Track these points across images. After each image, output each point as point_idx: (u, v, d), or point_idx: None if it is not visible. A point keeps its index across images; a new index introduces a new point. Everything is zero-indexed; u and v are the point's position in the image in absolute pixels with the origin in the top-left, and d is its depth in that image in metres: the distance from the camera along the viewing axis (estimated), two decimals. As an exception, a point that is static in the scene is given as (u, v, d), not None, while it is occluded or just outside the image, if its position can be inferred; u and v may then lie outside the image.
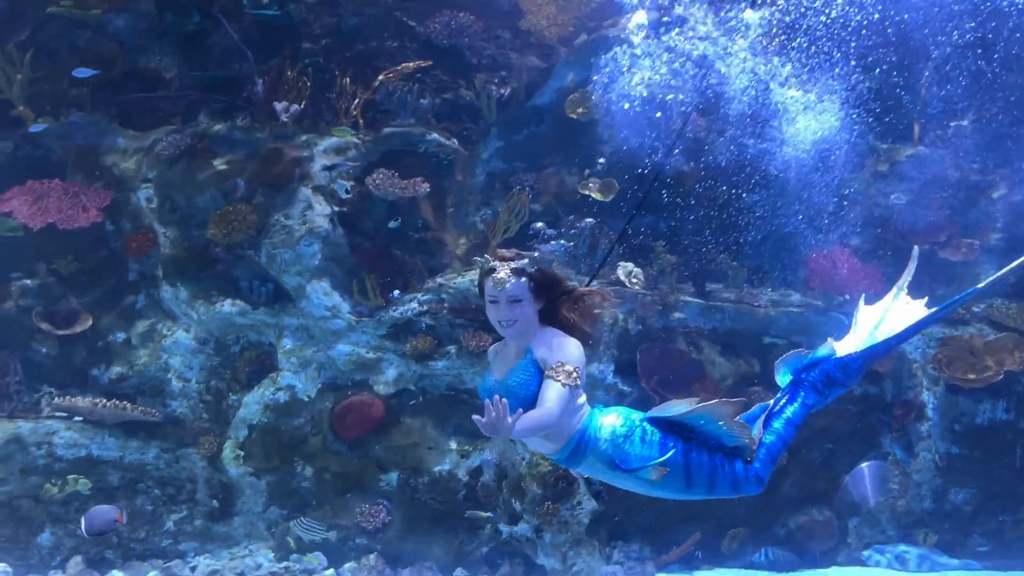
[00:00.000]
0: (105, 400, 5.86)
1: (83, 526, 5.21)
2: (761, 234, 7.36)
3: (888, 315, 3.63)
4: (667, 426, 3.44)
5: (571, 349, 3.29)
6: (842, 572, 6.54)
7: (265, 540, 6.23)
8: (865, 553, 6.67)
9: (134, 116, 6.56)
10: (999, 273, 3.74)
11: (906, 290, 3.65)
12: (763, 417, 3.46)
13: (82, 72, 6.28)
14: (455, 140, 7.00)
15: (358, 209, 6.53)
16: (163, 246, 6.34)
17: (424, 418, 6.44)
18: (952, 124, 7.56)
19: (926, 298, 3.56)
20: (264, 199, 6.24)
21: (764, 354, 6.76)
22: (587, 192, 7.08)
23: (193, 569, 6.04)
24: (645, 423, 3.48)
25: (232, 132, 6.51)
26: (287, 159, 6.22)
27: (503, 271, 3.32)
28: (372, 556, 6.16)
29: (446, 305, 6.44)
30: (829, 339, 3.61)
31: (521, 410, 2.90)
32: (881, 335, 3.61)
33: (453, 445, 6.38)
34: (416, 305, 6.47)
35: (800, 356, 3.59)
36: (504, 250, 3.43)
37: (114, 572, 5.84)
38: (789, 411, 3.51)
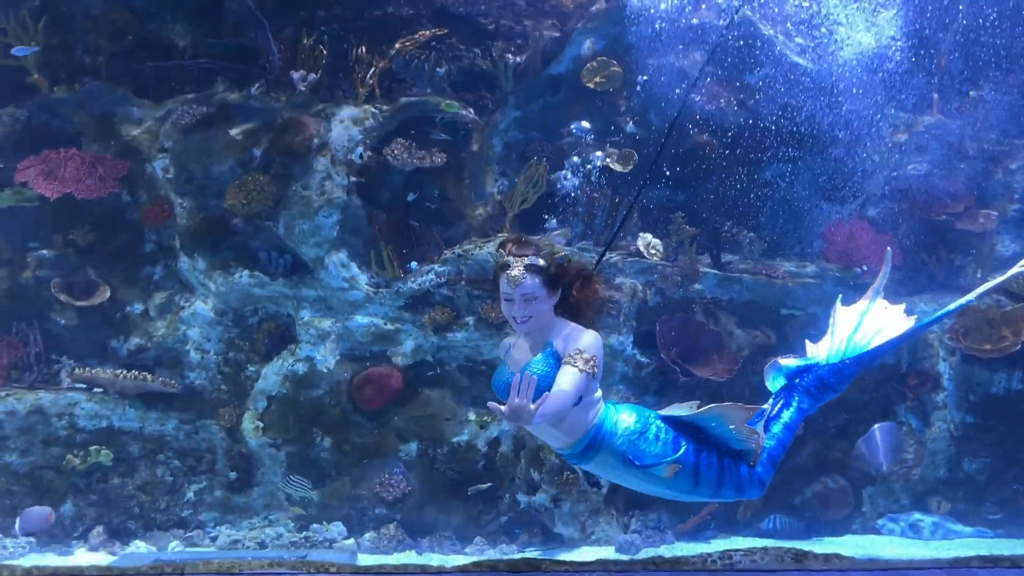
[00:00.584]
0: (125, 371, 5.93)
1: (17, 526, 5.49)
2: (778, 205, 7.43)
3: (866, 320, 3.70)
4: (679, 425, 3.48)
5: (589, 339, 3.31)
6: (856, 540, 6.69)
7: (285, 510, 6.32)
8: (879, 522, 6.80)
9: (149, 85, 6.57)
10: (991, 284, 3.71)
11: (883, 294, 3.69)
12: (762, 423, 3.53)
13: (21, 50, 6.16)
14: (471, 110, 7.03)
15: (375, 180, 6.56)
16: (180, 216, 6.35)
17: (443, 389, 6.51)
18: (972, 94, 7.60)
19: (904, 304, 3.64)
20: (281, 169, 6.26)
21: (781, 325, 6.86)
22: (606, 163, 7.12)
23: (214, 539, 6.13)
24: (658, 421, 3.51)
25: (248, 101, 6.52)
26: (304, 128, 6.24)
27: (517, 268, 3.30)
28: (391, 526, 6.26)
29: (464, 276, 6.49)
30: (807, 343, 3.77)
31: (547, 393, 2.98)
32: (862, 339, 3.69)
33: (472, 416, 6.46)
34: (434, 276, 6.51)
35: (787, 364, 3.71)
36: (517, 239, 3.44)
37: (136, 542, 5.94)
38: (786, 416, 3.61)
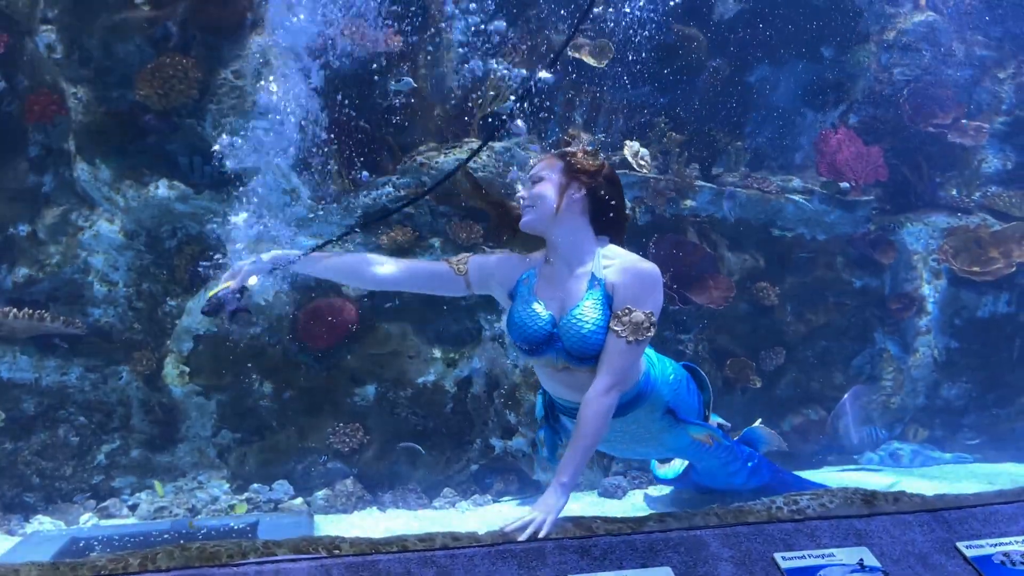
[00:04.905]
0: (14, 310, 5.13)
1: None
2: (763, 111, 7.38)
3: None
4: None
5: (651, 289, 2.92)
6: (835, 473, 7.04)
7: (218, 469, 5.83)
8: (855, 438, 7.17)
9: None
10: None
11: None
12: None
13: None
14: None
15: (321, 68, 5.87)
16: (74, 111, 5.41)
17: (403, 323, 6.10)
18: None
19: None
20: (205, 50, 5.45)
21: (770, 247, 6.89)
22: (578, 55, 6.75)
23: (134, 508, 5.59)
24: (680, 368, 3.46)
25: (156, -42, 5.58)
26: None
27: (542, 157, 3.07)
28: (348, 481, 5.94)
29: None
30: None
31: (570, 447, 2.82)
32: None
33: (437, 353, 6.12)
34: (391, 189, 6.02)
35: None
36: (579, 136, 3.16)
37: (39, 518, 5.28)
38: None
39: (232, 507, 5.60)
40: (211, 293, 3.12)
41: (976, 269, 6.91)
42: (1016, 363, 6.96)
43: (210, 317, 3.24)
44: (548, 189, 2.99)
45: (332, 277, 3.36)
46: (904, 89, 7.47)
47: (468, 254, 3.29)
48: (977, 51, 7.60)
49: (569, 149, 3.09)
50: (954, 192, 7.51)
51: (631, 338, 2.82)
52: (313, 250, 3.22)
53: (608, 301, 2.91)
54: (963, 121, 7.36)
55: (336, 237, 3.33)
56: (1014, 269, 6.73)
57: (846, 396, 6.88)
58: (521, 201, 3.03)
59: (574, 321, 2.90)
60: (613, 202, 3.02)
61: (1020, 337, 6.98)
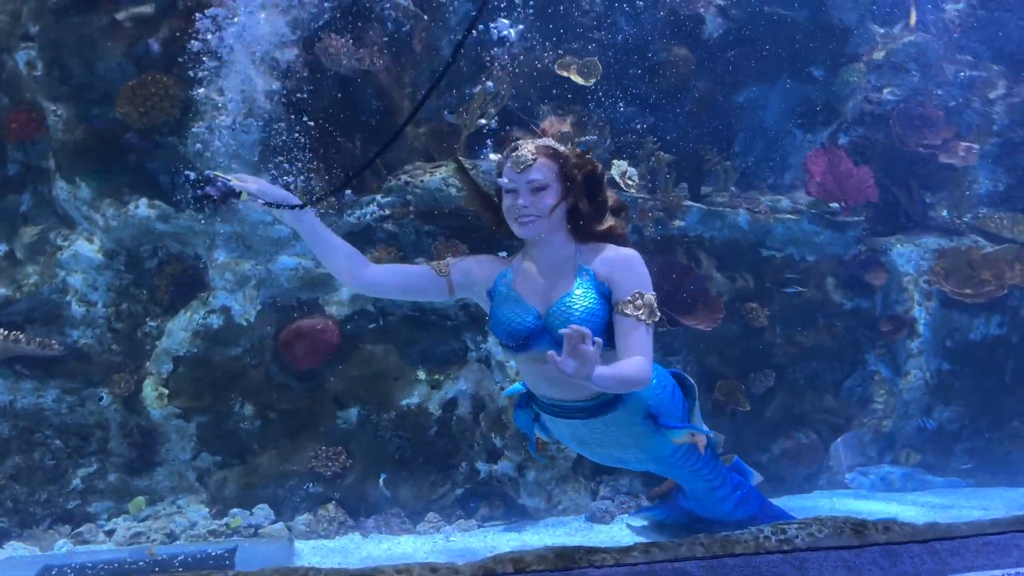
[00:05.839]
0: (-10, 331, 5.08)
1: None
2: (752, 131, 7.38)
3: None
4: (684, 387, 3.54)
5: (646, 271, 3.07)
6: (825, 498, 6.99)
7: (197, 493, 5.76)
8: (849, 475, 7.14)
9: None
10: None
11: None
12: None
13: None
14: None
15: (304, 85, 5.86)
16: (54, 128, 5.37)
17: (387, 344, 6.06)
18: (947, 7, 7.78)
19: None
20: (188, 69, 5.42)
21: (759, 268, 6.87)
22: (566, 74, 6.76)
23: (110, 534, 5.51)
24: (668, 375, 3.44)
25: (140, -24, 5.56)
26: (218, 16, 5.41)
27: (527, 148, 2.98)
28: (330, 506, 5.88)
29: (412, 209, 6.01)
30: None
31: (600, 340, 2.61)
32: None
33: (422, 375, 6.07)
34: (376, 208, 6.02)
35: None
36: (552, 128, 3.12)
37: (12, 544, 5.21)
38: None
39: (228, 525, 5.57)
40: (215, 173, 3.11)
41: (968, 291, 6.91)
42: (1009, 386, 6.94)
43: (193, 188, 3.20)
44: (550, 198, 2.97)
45: (321, 251, 3.29)
46: (893, 109, 7.49)
47: (450, 258, 3.31)
48: (967, 71, 7.63)
49: (563, 150, 3.05)
50: (945, 213, 7.52)
51: (649, 320, 2.90)
52: (315, 202, 3.27)
53: (600, 290, 2.96)
54: (954, 142, 7.37)
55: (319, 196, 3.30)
56: (1006, 291, 6.74)
57: (839, 442, 6.88)
58: (523, 210, 2.97)
59: (564, 308, 2.94)
60: (599, 199, 3.02)
61: (1012, 360, 6.97)
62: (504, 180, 2.97)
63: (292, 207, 3.16)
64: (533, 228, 2.97)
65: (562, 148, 3.02)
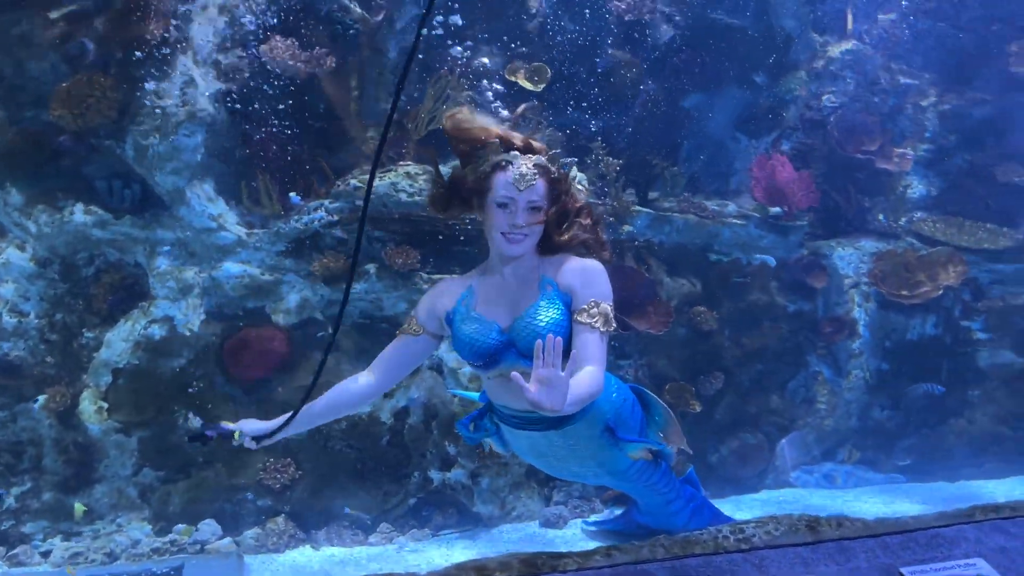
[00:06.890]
0: (-87, 344, 4.81)
1: None
2: (698, 137, 7.47)
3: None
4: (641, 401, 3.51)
5: (604, 279, 3.02)
6: (774, 495, 7.12)
7: (139, 510, 5.55)
8: (793, 474, 7.28)
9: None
10: None
11: None
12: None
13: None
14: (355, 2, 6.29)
15: (249, 88, 5.71)
16: (-17, 131, 5.15)
17: (336, 353, 5.95)
18: (880, 17, 8.01)
19: None
20: (126, 69, 5.23)
21: (707, 272, 6.96)
22: (514, 79, 6.73)
23: (46, 555, 5.26)
24: (627, 389, 3.43)
25: (70, -30, 5.33)
26: (157, 14, 5.21)
27: (527, 165, 2.90)
28: (280, 519, 5.73)
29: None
30: None
31: (569, 362, 2.58)
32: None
33: (373, 383, 5.98)
34: (324, 214, 5.89)
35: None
36: (523, 136, 3.04)
37: (-60, 569, 4.97)
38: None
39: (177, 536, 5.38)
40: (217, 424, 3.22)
41: (904, 293, 7.11)
42: (944, 384, 7.15)
43: (190, 434, 3.25)
44: (542, 217, 2.91)
45: (324, 421, 3.35)
46: (832, 116, 7.66)
47: (412, 313, 3.24)
48: (901, 79, 7.86)
49: (552, 168, 2.99)
50: (881, 217, 7.73)
51: (603, 328, 2.85)
52: (290, 418, 3.19)
53: (564, 300, 2.92)
54: (889, 148, 7.57)
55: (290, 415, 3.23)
56: (940, 292, 6.95)
57: (784, 441, 7.00)
58: (518, 229, 2.90)
59: (529, 320, 2.88)
60: (577, 219, 3.00)
61: (947, 359, 7.19)
62: (501, 194, 2.87)
63: (280, 432, 3.21)
64: (522, 247, 2.92)
65: (552, 167, 2.97)
